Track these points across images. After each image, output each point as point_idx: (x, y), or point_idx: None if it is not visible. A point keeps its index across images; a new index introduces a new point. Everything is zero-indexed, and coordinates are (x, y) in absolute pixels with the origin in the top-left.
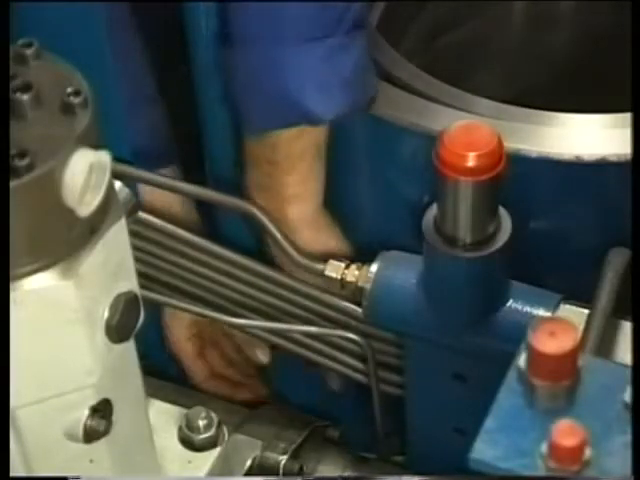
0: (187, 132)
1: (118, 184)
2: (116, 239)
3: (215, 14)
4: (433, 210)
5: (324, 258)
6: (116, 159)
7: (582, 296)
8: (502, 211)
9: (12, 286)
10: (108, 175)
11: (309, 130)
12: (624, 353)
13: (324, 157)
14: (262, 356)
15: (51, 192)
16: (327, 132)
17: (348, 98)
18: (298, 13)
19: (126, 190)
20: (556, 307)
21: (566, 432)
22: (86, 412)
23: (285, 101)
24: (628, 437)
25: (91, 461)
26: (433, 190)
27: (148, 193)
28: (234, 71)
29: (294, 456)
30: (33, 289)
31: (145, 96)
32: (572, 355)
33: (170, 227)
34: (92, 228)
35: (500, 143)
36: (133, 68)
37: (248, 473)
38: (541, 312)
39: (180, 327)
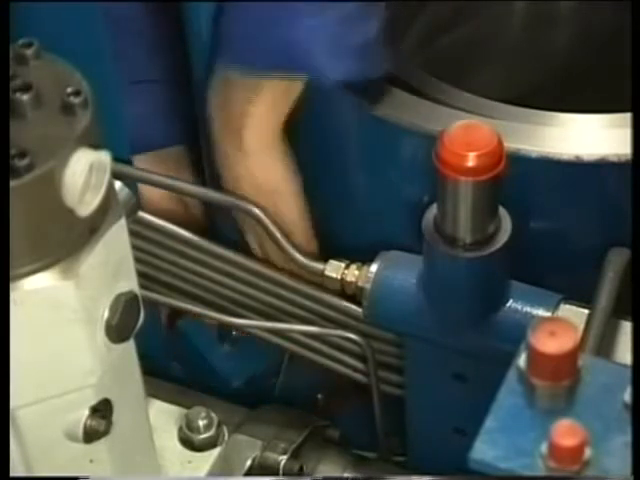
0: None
1: (118, 184)
2: (116, 239)
3: None
4: (433, 210)
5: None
6: (116, 159)
7: (582, 296)
8: (502, 211)
9: (12, 286)
10: (108, 175)
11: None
12: (624, 353)
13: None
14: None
15: (51, 192)
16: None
17: (357, 65)
18: None
19: (126, 190)
20: (556, 307)
21: (566, 432)
22: (86, 412)
23: (291, 52)
24: (628, 437)
25: (91, 461)
26: (433, 190)
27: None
28: (232, 22)
29: (294, 456)
30: (33, 289)
31: (146, 81)
32: (572, 355)
33: (170, 227)
34: (92, 228)
35: (500, 143)
36: (134, 51)
37: (248, 473)
38: (541, 312)
39: None
